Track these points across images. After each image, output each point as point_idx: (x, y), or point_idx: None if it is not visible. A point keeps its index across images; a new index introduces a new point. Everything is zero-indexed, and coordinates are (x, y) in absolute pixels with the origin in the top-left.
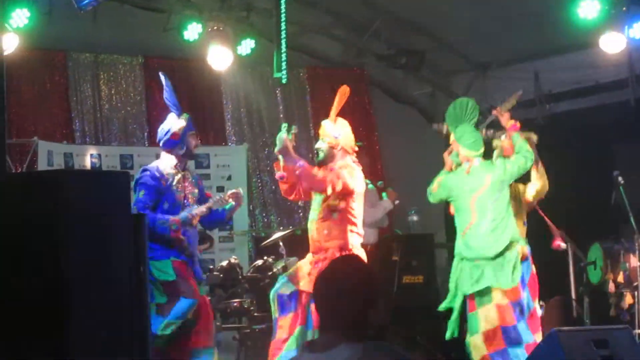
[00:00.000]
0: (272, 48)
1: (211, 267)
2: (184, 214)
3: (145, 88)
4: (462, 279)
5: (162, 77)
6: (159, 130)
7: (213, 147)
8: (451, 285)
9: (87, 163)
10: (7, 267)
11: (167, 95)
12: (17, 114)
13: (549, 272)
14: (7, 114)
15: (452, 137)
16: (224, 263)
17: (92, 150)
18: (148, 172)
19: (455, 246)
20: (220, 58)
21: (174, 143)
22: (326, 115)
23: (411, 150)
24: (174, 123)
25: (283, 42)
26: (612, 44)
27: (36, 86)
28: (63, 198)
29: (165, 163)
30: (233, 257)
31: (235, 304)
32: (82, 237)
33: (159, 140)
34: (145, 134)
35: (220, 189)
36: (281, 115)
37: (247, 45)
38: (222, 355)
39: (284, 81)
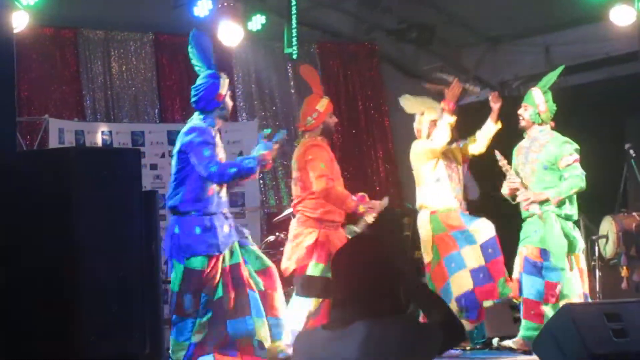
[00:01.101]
0: (282, 23)
1: None
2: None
3: (156, 65)
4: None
5: (196, 34)
6: (196, 89)
7: (224, 123)
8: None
9: (99, 140)
10: (18, 245)
11: (199, 52)
12: (27, 91)
13: None
14: (18, 92)
15: (537, 97)
16: None
17: (103, 128)
18: (205, 133)
19: (566, 208)
20: (230, 34)
21: (216, 104)
22: (337, 91)
23: None
24: (219, 83)
25: (294, 17)
26: (623, 16)
27: (47, 64)
28: (74, 176)
29: (208, 124)
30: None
31: None
32: (93, 215)
33: (198, 100)
34: (156, 110)
35: None
36: (292, 91)
37: (257, 21)
38: None
39: (294, 57)
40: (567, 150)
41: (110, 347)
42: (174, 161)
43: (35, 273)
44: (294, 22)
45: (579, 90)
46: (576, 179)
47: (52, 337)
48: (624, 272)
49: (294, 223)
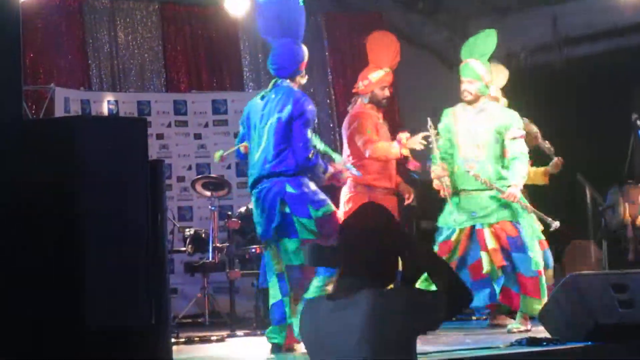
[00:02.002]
0: None
1: (229, 213)
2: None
3: (162, 34)
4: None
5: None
6: (280, 57)
7: (230, 92)
8: None
9: (104, 110)
10: (22, 214)
11: (291, 16)
12: (33, 61)
13: (568, 216)
14: (24, 61)
15: (479, 69)
16: (242, 209)
17: (109, 97)
18: (313, 112)
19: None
20: (237, 4)
21: (299, 72)
22: (343, 61)
23: (428, 94)
24: (303, 52)
25: None
26: None
27: (52, 33)
28: (79, 145)
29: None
30: (251, 203)
31: (253, 250)
32: (98, 185)
33: (282, 67)
34: (162, 80)
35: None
36: None
37: None
38: (241, 301)
39: None
40: (516, 123)
41: (116, 318)
42: (277, 124)
43: (40, 243)
44: None
45: (586, 60)
46: (522, 156)
47: (57, 308)
48: (630, 243)
49: (345, 190)
